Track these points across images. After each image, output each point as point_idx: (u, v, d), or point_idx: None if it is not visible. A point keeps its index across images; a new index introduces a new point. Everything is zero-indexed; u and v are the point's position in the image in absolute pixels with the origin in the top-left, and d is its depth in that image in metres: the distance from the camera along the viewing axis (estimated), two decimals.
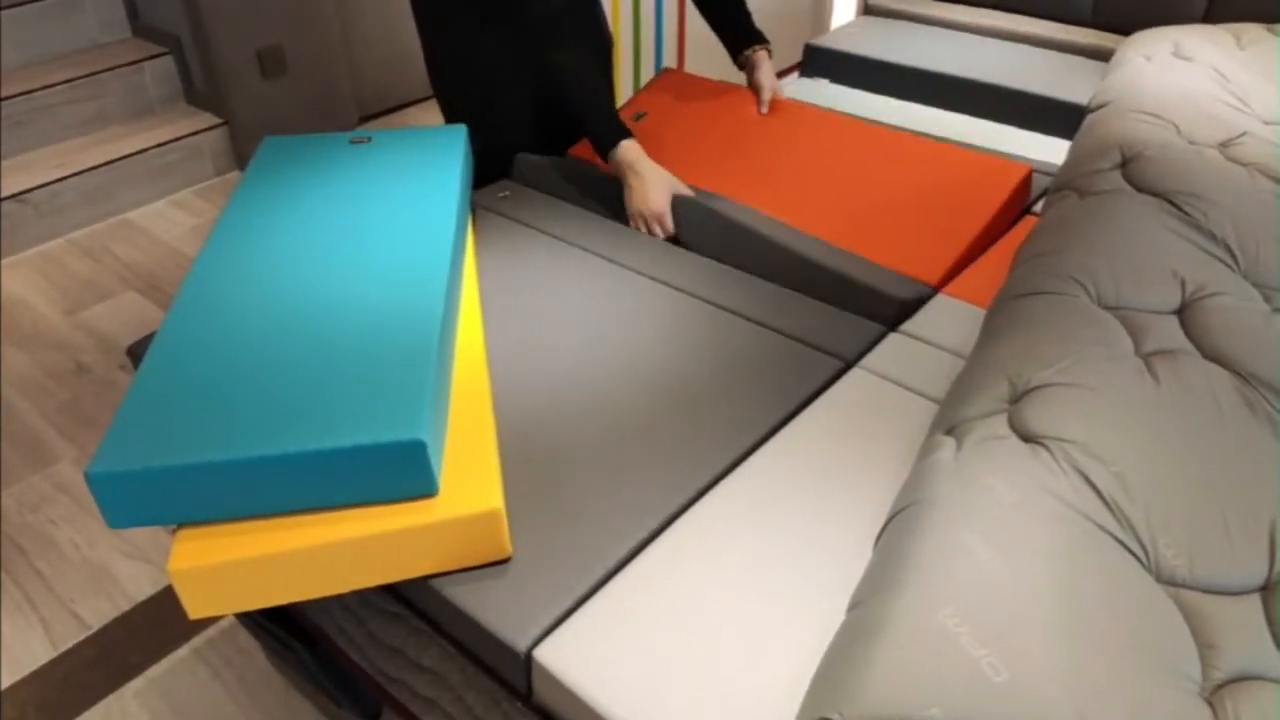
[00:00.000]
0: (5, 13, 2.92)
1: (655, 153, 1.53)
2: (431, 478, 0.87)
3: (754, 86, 1.78)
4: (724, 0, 1.80)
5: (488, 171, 1.68)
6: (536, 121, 1.75)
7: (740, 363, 1.17)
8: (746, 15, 1.81)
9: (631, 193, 1.49)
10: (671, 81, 1.89)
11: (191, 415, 0.89)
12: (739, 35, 1.80)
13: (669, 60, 3.14)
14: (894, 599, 0.73)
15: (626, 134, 1.52)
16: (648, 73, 3.10)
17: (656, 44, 3.07)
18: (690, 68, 3.17)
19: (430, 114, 3.66)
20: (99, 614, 1.67)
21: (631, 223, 1.52)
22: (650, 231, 1.50)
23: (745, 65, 1.81)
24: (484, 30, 1.64)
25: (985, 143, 1.84)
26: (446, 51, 1.70)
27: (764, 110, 1.74)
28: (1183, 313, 1.10)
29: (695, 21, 3.15)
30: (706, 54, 3.22)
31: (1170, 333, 1.06)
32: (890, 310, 1.28)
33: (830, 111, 1.87)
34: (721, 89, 1.82)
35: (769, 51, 1.81)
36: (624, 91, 2.81)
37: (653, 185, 1.48)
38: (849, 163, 1.59)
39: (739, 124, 1.73)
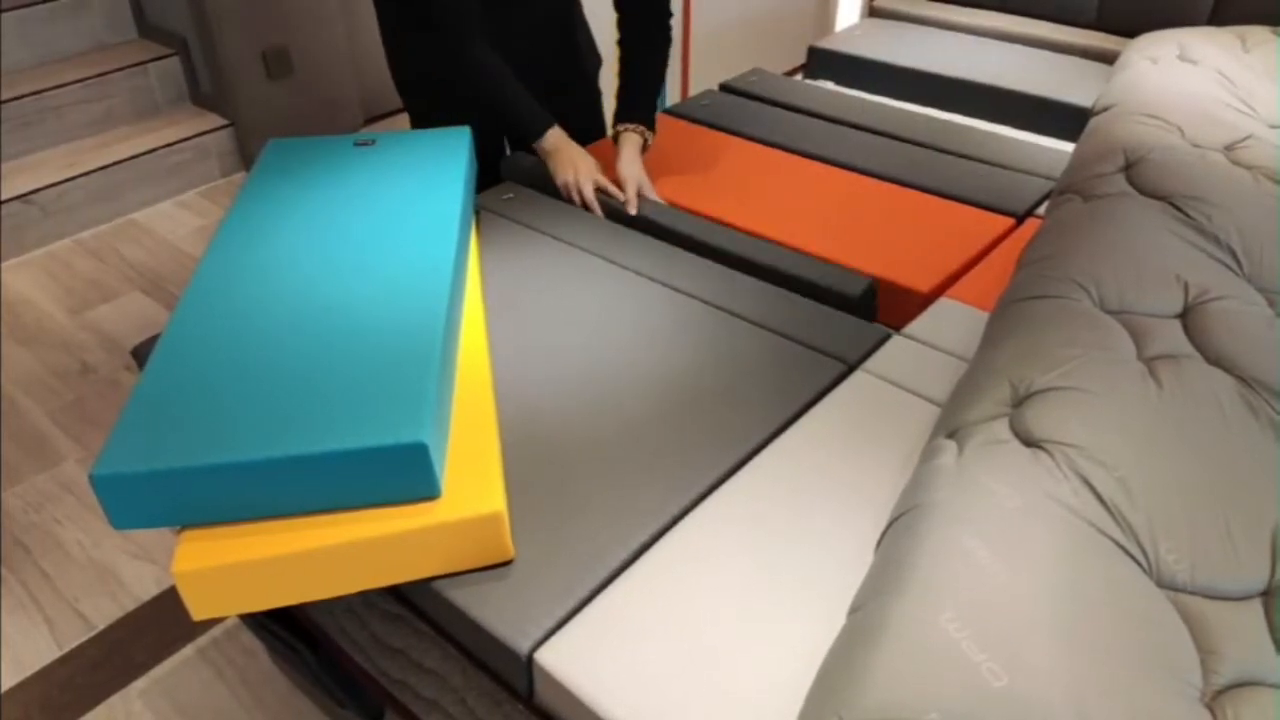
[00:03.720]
0: (13, 13, 2.93)
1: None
2: (434, 480, 0.88)
3: (616, 176, 1.55)
4: (629, 61, 1.63)
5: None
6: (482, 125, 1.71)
7: (743, 365, 1.18)
8: (640, 88, 1.63)
9: (554, 171, 1.56)
10: (665, 122, 1.90)
11: (195, 417, 0.89)
12: (620, 105, 1.63)
13: (673, 60, 3.14)
14: (895, 603, 0.74)
15: (549, 123, 1.55)
16: None
17: None
18: (694, 67, 3.18)
19: None
20: (103, 614, 1.67)
21: (564, 194, 1.57)
22: (580, 196, 1.54)
23: (615, 142, 1.61)
24: (422, 34, 1.61)
25: (988, 145, 1.84)
26: (400, 55, 1.70)
27: (631, 212, 1.50)
28: (1185, 316, 1.10)
29: (699, 23, 3.16)
30: (710, 55, 3.23)
31: (1173, 337, 1.06)
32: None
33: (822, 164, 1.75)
34: (714, 136, 1.82)
35: (645, 137, 1.59)
36: None
37: (566, 160, 1.54)
38: (837, 201, 1.60)
39: (729, 156, 1.74)
